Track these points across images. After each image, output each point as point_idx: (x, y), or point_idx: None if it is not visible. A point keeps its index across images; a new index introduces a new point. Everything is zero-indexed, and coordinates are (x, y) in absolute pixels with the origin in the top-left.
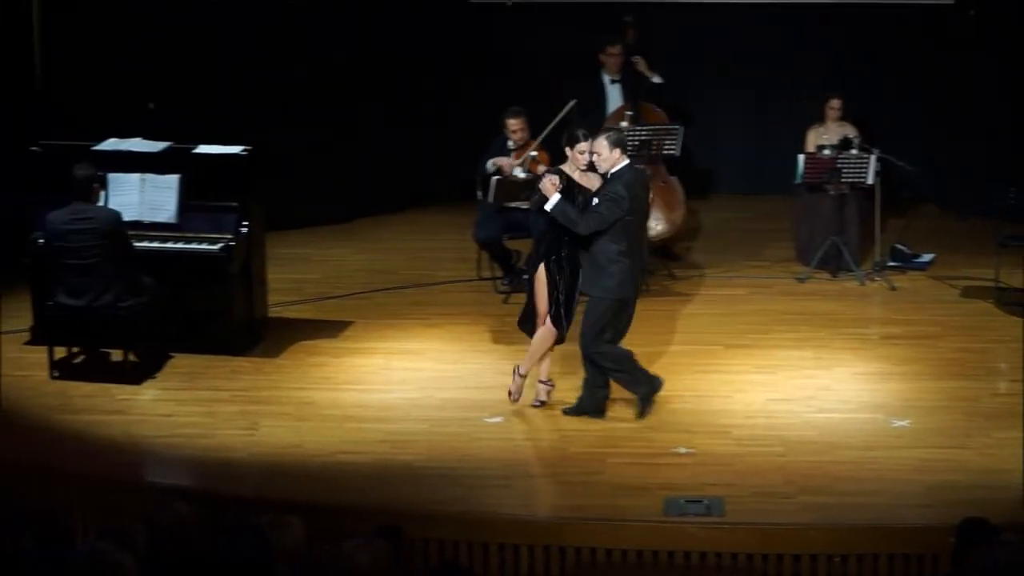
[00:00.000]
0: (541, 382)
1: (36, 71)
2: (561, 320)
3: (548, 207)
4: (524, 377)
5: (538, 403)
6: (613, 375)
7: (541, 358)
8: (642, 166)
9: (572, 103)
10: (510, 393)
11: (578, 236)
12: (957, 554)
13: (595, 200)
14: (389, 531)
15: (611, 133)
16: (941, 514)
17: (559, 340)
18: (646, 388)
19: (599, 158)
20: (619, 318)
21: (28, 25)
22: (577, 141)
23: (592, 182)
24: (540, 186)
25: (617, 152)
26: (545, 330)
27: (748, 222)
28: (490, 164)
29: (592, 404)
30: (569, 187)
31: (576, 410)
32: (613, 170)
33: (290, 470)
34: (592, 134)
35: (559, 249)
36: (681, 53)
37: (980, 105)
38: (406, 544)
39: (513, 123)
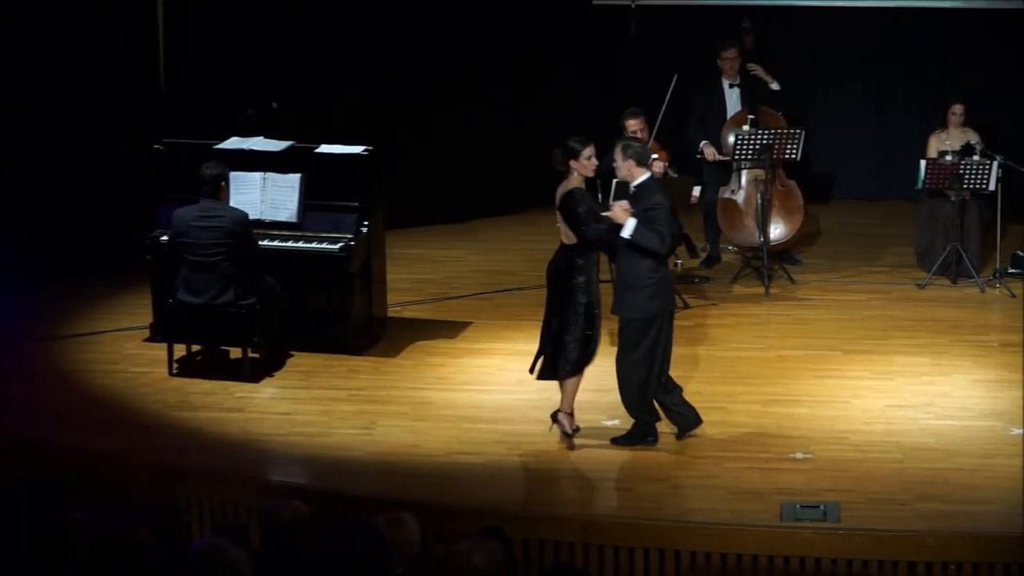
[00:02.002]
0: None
1: (160, 70)
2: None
3: (628, 234)
4: (571, 413)
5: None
6: (623, 393)
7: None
8: (763, 169)
9: (675, 77)
10: (567, 436)
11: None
12: None
13: (628, 217)
14: (494, 531)
15: (627, 145)
16: None
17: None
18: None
19: (615, 164)
20: (649, 334)
21: (153, 26)
22: (578, 153)
23: None
24: (610, 215)
25: (631, 164)
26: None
27: (868, 227)
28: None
29: (692, 415)
30: (580, 201)
31: (682, 431)
32: (638, 181)
33: (406, 470)
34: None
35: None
36: (801, 57)
37: None
38: (519, 545)
39: (633, 124)
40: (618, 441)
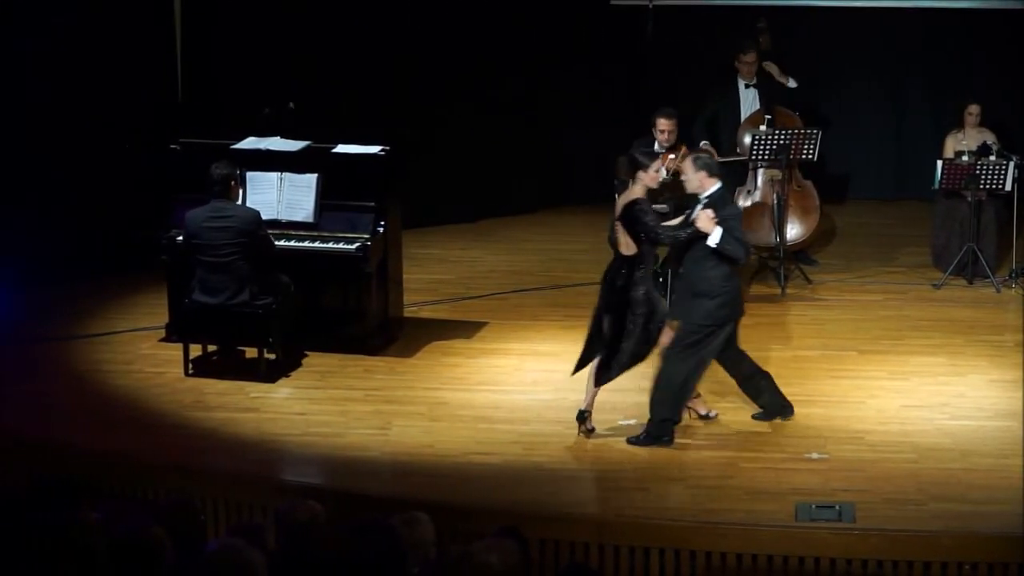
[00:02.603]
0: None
1: (178, 70)
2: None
3: (714, 243)
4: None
5: (713, 414)
6: (658, 387)
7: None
8: (779, 169)
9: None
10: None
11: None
12: None
13: (693, 226)
14: (511, 531)
15: (699, 156)
16: None
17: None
18: (667, 421)
19: (685, 178)
20: (708, 340)
21: (171, 26)
22: (645, 165)
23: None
24: (699, 224)
25: (703, 175)
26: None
27: (885, 227)
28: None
29: (775, 404)
30: (646, 212)
31: (766, 415)
32: (708, 192)
33: (422, 470)
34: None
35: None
36: (817, 57)
37: None
38: (535, 545)
39: (664, 123)
40: (634, 441)
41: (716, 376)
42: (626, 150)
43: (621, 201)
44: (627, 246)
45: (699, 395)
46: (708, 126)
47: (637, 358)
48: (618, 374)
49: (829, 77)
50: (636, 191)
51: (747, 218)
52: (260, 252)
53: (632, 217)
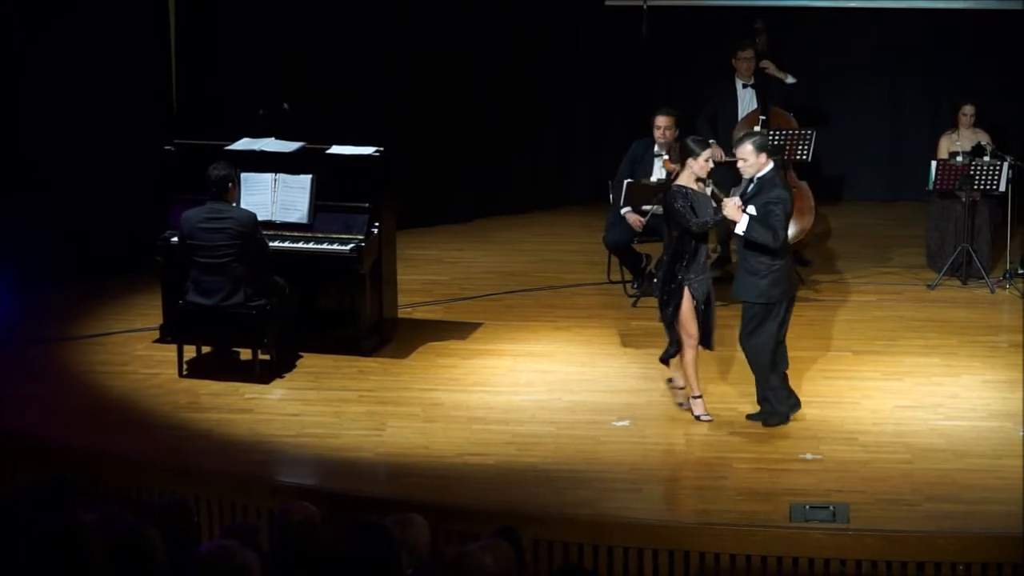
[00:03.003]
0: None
1: (172, 71)
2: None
3: (741, 231)
4: (700, 396)
5: (707, 417)
6: (756, 375)
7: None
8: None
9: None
10: (698, 415)
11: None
12: None
13: (751, 208)
14: (508, 532)
15: (756, 137)
16: None
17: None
18: (784, 408)
19: (745, 163)
20: (769, 318)
21: (165, 27)
22: (696, 153)
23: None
24: (724, 212)
25: (763, 156)
26: (692, 348)
27: (879, 228)
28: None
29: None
30: (689, 198)
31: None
32: (760, 174)
33: (416, 471)
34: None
35: (690, 269)
36: (813, 58)
37: None
38: (529, 546)
39: (662, 120)
40: (754, 417)
41: (706, 374)
42: (622, 151)
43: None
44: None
45: (700, 396)
46: (710, 125)
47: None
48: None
49: (824, 78)
50: (683, 178)
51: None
52: (256, 254)
53: (667, 201)
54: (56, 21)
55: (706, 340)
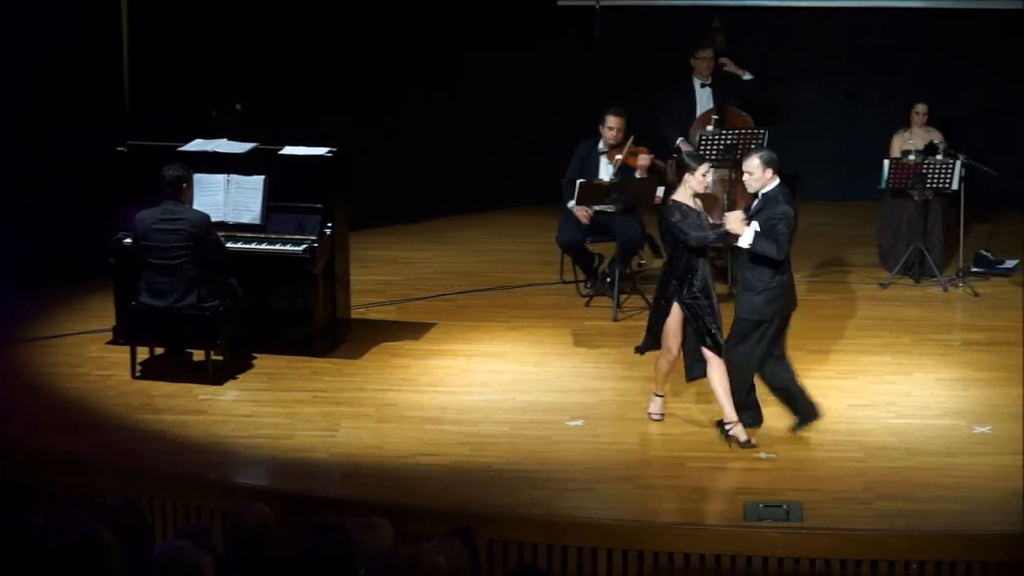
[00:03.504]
0: (658, 395)
1: (125, 85)
2: (720, 346)
3: (746, 244)
4: (662, 396)
5: (658, 416)
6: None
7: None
8: (726, 170)
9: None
10: (743, 442)
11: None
12: None
13: (755, 224)
14: (463, 533)
15: (763, 152)
16: (1021, 521)
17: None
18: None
19: (750, 177)
20: (755, 335)
21: (117, 29)
22: (693, 168)
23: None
24: (728, 226)
25: (769, 172)
26: (718, 367)
27: (832, 227)
28: (570, 207)
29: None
30: (686, 214)
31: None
32: (766, 190)
33: (370, 471)
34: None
35: (692, 282)
36: (768, 58)
37: None
38: (483, 546)
39: (613, 120)
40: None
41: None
42: (572, 151)
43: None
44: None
45: (663, 395)
46: (675, 123)
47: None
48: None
49: (778, 77)
50: (680, 194)
51: None
52: (210, 256)
53: (663, 214)
54: (5, 22)
55: (691, 368)
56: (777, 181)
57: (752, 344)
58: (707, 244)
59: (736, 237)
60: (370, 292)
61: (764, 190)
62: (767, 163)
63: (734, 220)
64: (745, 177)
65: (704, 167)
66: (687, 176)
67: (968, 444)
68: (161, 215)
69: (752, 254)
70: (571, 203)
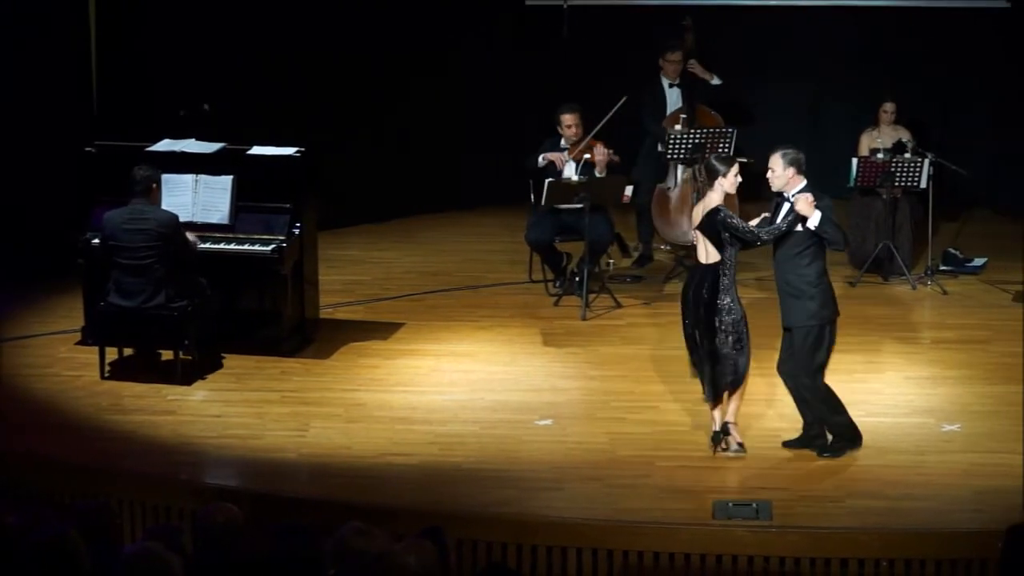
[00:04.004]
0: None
1: (93, 85)
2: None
3: (814, 224)
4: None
5: (738, 447)
6: (817, 407)
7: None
8: (696, 168)
9: (623, 99)
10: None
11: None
12: (1004, 559)
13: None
14: (434, 533)
15: (789, 151)
16: (990, 519)
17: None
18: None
19: (772, 174)
20: (829, 341)
21: (85, 28)
22: (723, 171)
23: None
24: (797, 207)
25: (792, 171)
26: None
27: None
28: (540, 159)
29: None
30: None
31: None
32: (794, 191)
33: (339, 471)
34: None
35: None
36: (738, 56)
37: None
38: (452, 545)
39: (568, 118)
40: (830, 453)
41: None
42: (536, 149)
43: (699, 210)
44: (709, 255)
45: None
46: (652, 118)
47: (740, 362)
48: (735, 384)
49: (748, 75)
50: (714, 199)
51: (666, 213)
52: (179, 256)
53: (719, 224)
54: None
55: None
56: (804, 182)
57: (825, 350)
58: (780, 234)
59: (805, 219)
60: (339, 292)
61: (794, 191)
62: (791, 162)
63: (804, 202)
64: (768, 174)
65: (734, 168)
66: (719, 180)
67: (937, 442)
68: (129, 215)
69: (795, 258)
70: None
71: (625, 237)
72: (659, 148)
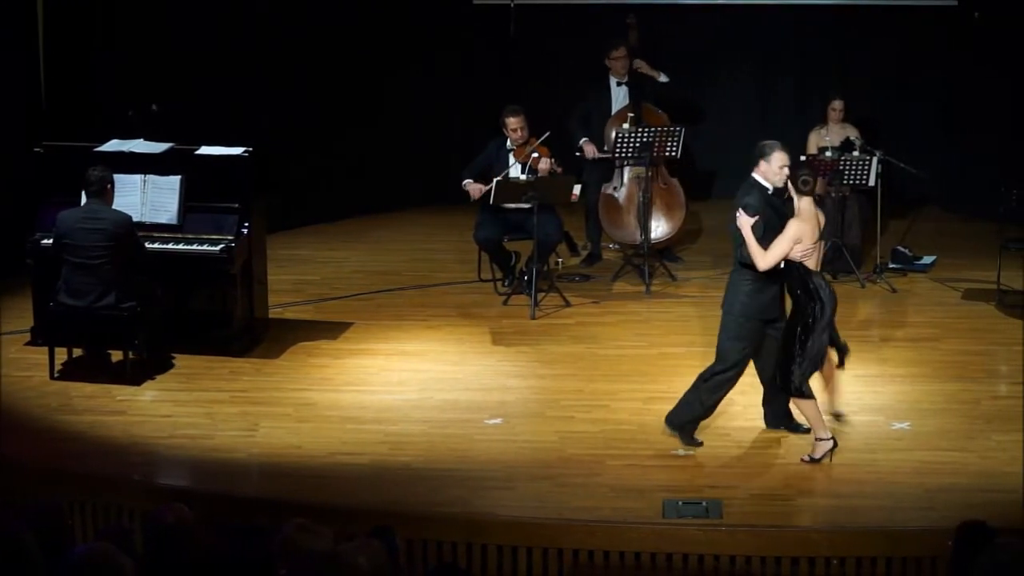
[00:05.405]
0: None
1: (42, 86)
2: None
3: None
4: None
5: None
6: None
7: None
8: (643, 167)
9: (546, 135)
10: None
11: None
12: (955, 557)
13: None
14: (384, 532)
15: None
16: (941, 517)
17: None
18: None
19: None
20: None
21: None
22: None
23: None
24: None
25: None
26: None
27: None
28: (463, 184)
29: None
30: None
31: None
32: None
33: (289, 471)
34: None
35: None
36: (684, 54)
37: (983, 107)
38: (403, 545)
39: (513, 121)
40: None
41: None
42: (482, 148)
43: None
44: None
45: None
46: (584, 123)
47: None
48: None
49: (696, 74)
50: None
51: (613, 215)
52: (131, 257)
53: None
54: None
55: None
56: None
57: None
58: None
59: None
60: (288, 292)
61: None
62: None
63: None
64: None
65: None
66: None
67: (887, 440)
68: (84, 214)
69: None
70: (465, 181)
71: (574, 236)
72: (604, 149)
